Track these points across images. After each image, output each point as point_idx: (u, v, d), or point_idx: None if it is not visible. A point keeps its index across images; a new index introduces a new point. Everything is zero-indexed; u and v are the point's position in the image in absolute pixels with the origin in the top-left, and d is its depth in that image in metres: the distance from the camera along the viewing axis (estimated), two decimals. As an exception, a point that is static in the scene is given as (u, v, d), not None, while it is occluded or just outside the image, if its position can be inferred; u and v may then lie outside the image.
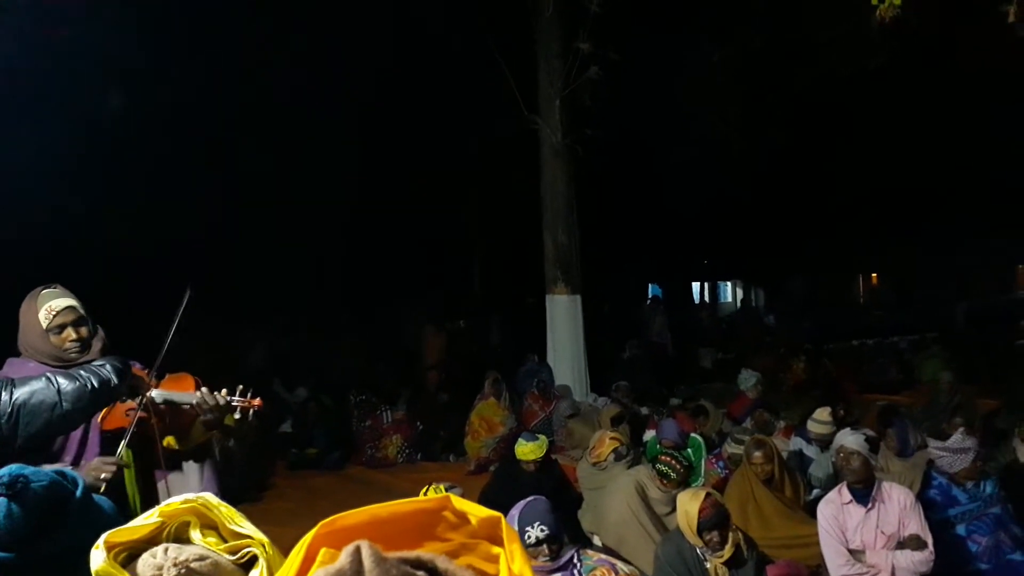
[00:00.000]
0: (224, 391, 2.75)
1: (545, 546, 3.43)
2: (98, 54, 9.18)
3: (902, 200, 17.91)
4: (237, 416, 2.74)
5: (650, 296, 23.55)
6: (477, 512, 1.15)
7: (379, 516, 1.12)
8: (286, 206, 12.78)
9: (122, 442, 2.53)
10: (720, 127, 12.85)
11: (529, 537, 3.41)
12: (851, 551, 3.97)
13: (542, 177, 9.58)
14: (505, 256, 15.39)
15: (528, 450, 5.31)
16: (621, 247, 17.54)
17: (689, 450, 6.50)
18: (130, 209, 10.71)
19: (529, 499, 3.60)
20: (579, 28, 8.96)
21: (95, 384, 2.39)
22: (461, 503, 1.16)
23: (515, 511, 3.53)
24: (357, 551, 0.83)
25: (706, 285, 28.56)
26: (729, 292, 31.94)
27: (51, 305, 2.64)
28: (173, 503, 1.47)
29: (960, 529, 4.19)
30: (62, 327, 2.64)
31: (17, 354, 2.71)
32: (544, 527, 3.44)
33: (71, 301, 2.69)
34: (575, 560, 3.59)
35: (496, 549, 1.14)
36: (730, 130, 12.97)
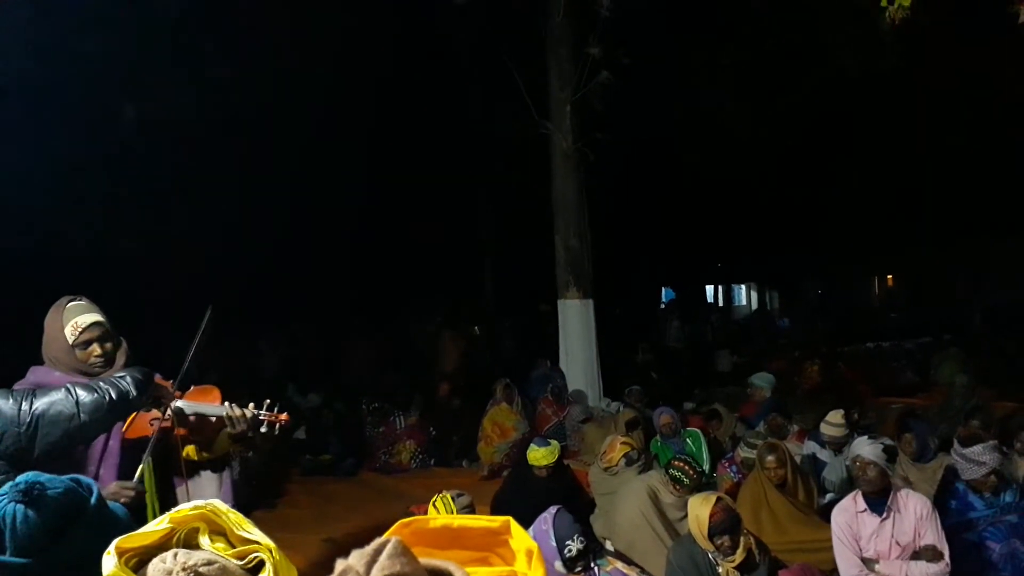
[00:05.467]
0: (251, 405, 2.77)
1: (583, 560, 3.44)
2: (107, 61, 9.26)
3: (916, 201, 17.79)
4: (263, 430, 2.76)
5: (665, 300, 23.54)
6: (519, 542, 1.22)
7: (450, 526, 1.22)
8: (297, 212, 12.87)
9: (144, 459, 2.55)
10: (731, 129, 12.82)
11: (570, 551, 3.41)
12: (864, 560, 3.93)
13: (553, 182, 9.59)
14: (517, 261, 15.41)
15: (540, 455, 5.32)
16: (634, 251, 17.53)
17: (688, 440, 6.52)
18: (142, 217, 10.82)
19: (553, 512, 3.58)
20: (589, 33, 8.97)
21: (114, 396, 2.43)
22: (516, 528, 1.23)
23: (545, 526, 3.51)
24: (385, 544, 0.88)
25: (720, 288, 28.46)
26: (744, 295, 31.82)
27: (77, 321, 2.67)
28: (183, 510, 1.50)
29: (975, 535, 4.15)
30: (88, 343, 2.67)
31: (40, 362, 2.74)
32: (583, 538, 3.46)
33: (97, 316, 2.71)
34: (593, 567, 3.60)
35: None
36: (741, 132, 12.95)
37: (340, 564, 0.88)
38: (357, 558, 0.87)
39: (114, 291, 2.75)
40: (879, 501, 3.98)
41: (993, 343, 12.90)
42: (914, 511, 3.93)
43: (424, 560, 0.92)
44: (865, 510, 4.00)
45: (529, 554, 1.21)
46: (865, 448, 4.07)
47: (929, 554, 3.83)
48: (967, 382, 8.12)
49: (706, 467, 6.13)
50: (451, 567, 0.95)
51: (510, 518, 1.25)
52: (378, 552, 0.86)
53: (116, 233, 10.65)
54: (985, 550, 4.10)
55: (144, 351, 2.89)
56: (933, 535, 3.87)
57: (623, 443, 5.73)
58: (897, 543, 3.90)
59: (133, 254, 10.84)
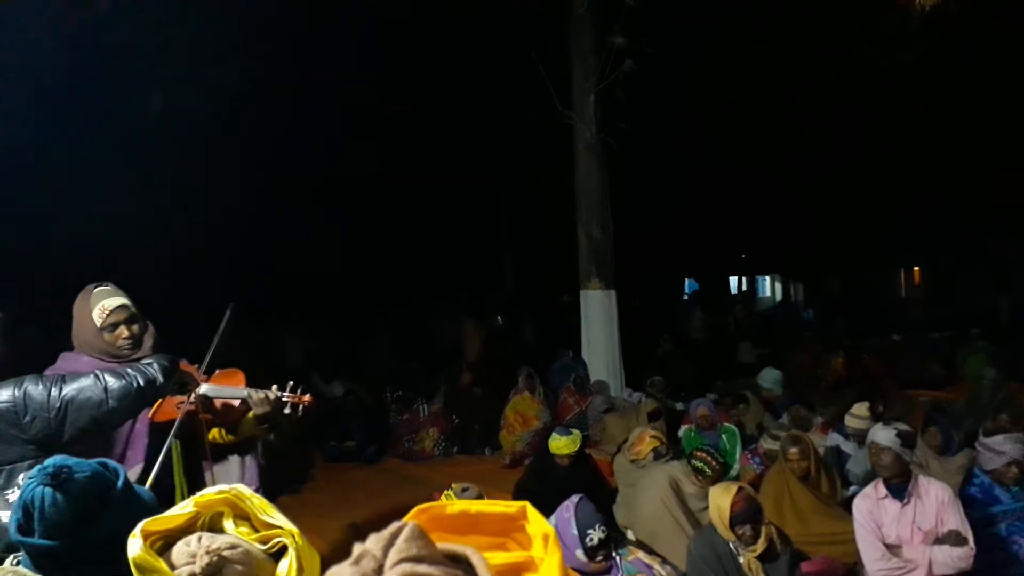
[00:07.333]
0: (275, 387, 2.81)
1: (604, 549, 3.44)
2: (134, 53, 9.33)
3: (943, 193, 17.54)
4: (287, 412, 2.79)
5: (688, 291, 23.42)
6: (536, 527, 1.22)
7: (468, 511, 1.20)
8: (321, 204, 12.94)
9: (170, 440, 2.59)
10: (755, 120, 12.71)
11: (591, 539, 3.40)
12: (887, 545, 3.91)
13: (576, 172, 9.56)
14: (539, 252, 15.40)
15: (562, 444, 5.32)
16: (657, 241, 17.45)
17: (724, 436, 6.48)
18: (167, 207, 10.92)
19: (575, 500, 3.57)
20: (613, 22, 8.92)
21: (141, 383, 2.49)
22: (532, 513, 1.22)
23: (567, 514, 3.50)
24: (402, 527, 0.88)
25: (744, 279, 28.28)
26: (768, 287, 31.57)
27: (104, 304, 2.73)
28: (207, 494, 1.52)
29: (1001, 529, 4.10)
30: (115, 325, 2.73)
31: (71, 348, 2.80)
32: (604, 527, 3.45)
33: (123, 300, 2.78)
34: (615, 556, 3.59)
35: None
36: (765, 123, 12.83)
37: (358, 548, 0.88)
38: (374, 542, 0.87)
39: (141, 283, 2.79)
40: (900, 487, 3.94)
41: (1021, 337, 12.69)
42: (935, 497, 3.89)
43: (441, 545, 0.93)
44: (886, 496, 3.96)
45: (545, 538, 1.21)
46: (879, 434, 4.05)
47: (952, 539, 3.79)
48: (995, 376, 8.01)
49: (736, 465, 6.10)
50: (468, 551, 0.95)
51: (527, 503, 1.24)
52: (395, 536, 0.87)
53: (142, 227, 10.75)
54: (1011, 544, 4.05)
55: (170, 341, 2.93)
56: (956, 521, 3.81)
57: (652, 437, 5.65)
58: (919, 528, 3.85)
59: (159, 247, 10.94)
